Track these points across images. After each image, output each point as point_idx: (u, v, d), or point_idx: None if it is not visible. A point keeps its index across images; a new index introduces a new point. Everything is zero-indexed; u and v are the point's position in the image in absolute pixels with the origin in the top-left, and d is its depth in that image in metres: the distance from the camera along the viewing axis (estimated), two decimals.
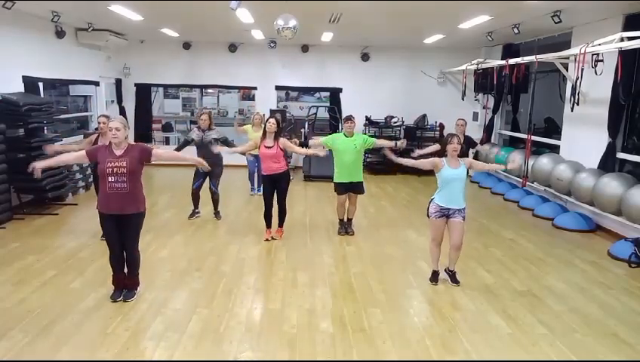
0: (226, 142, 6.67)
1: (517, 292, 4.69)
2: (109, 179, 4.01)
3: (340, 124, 11.19)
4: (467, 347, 3.67)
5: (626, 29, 6.06)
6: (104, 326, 3.81)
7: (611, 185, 6.21)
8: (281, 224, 6.21)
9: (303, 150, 6.40)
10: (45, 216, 6.96)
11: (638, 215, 5.77)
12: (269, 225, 6.13)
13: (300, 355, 3.52)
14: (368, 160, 11.61)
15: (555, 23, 6.68)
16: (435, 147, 4.69)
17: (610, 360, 3.56)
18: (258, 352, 3.54)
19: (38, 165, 4.21)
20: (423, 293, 4.65)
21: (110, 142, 4.11)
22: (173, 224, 6.73)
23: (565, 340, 3.78)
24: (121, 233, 4.19)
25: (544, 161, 7.73)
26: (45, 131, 7.41)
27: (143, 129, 11.68)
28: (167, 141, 12.55)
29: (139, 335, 3.70)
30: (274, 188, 6.01)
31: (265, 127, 5.93)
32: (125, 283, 4.35)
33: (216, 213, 7.01)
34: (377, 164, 11.49)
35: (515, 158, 5.50)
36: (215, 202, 6.97)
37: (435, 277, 4.86)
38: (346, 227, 6.44)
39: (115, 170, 4.00)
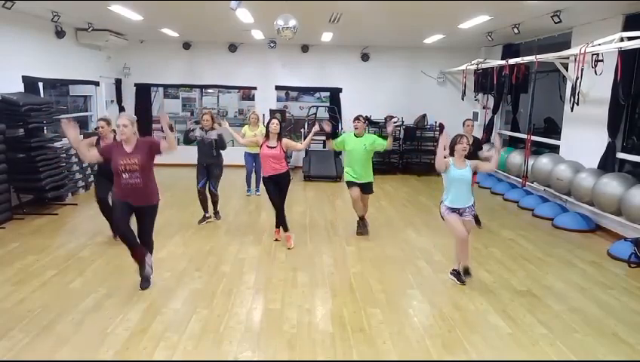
0: (221, 142, 6.65)
1: (517, 292, 4.69)
2: (123, 176, 4.18)
3: (339, 124, 11.19)
4: (467, 347, 3.67)
5: (625, 29, 6.06)
6: (104, 326, 3.81)
7: (611, 185, 6.21)
8: (280, 226, 6.05)
9: (304, 143, 6.31)
10: (45, 216, 6.97)
11: (638, 215, 5.77)
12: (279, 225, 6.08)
13: (300, 355, 3.52)
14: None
15: (555, 23, 6.69)
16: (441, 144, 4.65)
17: (610, 360, 3.56)
18: (258, 352, 3.54)
19: (70, 128, 4.21)
20: (423, 293, 4.64)
21: (121, 140, 4.24)
22: (173, 224, 6.72)
23: (565, 340, 3.79)
24: (137, 223, 4.41)
25: (544, 161, 7.73)
26: (45, 131, 7.42)
27: (143, 129, 11.66)
28: None
29: (139, 335, 3.70)
30: (277, 187, 5.95)
31: (267, 128, 5.89)
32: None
33: (216, 214, 7.00)
34: (377, 164, 11.48)
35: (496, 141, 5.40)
36: (215, 203, 6.96)
37: (459, 276, 4.82)
38: (362, 226, 6.39)
39: (127, 167, 4.15)
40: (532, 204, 8.01)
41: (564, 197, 7.36)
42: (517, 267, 5.40)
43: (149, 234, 4.50)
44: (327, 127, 6.15)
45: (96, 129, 5.94)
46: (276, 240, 6.04)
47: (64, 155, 7.83)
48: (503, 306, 4.36)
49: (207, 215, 6.86)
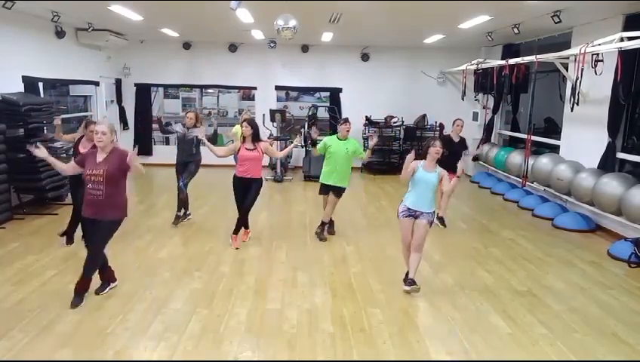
0: (213, 135, 6.60)
1: (517, 292, 4.69)
2: (89, 186, 4.08)
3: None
4: (467, 347, 3.67)
5: (626, 29, 6.07)
6: (104, 326, 3.81)
7: (611, 185, 6.21)
8: (237, 232, 5.84)
9: (284, 151, 6.37)
10: (45, 216, 6.96)
11: (638, 215, 5.77)
12: (237, 231, 5.90)
13: (300, 355, 3.52)
14: (368, 160, 11.61)
15: (555, 23, 6.68)
16: (411, 156, 4.55)
17: (610, 360, 3.56)
18: (258, 352, 3.55)
19: (38, 152, 4.21)
20: (423, 293, 4.63)
21: (95, 146, 4.15)
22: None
23: (565, 340, 3.79)
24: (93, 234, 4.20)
25: (544, 161, 7.73)
26: (45, 131, 7.42)
27: (143, 129, 11.70)
28: (167, 141, 12.54)
29: (139, 335, 3.70)
30: (245, 191, 5.78)
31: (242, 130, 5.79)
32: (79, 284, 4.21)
33: (184, 215, 6.77)
34: (377, 164, 11.50)
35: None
36: (182, 201, 6.69)
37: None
38: (325, 230, 6.29)
39: (92, 177, 4.04)
40: (532, 203, 8.01)
41: (565, 197, 7.36)
42: (517, 267, 5.40)
43: (98, 247, 4.24)
44: (315, 135, 6.18)
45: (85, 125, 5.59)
46: (236, 248, 5.76)
47: (64, 155, 7.82)
48: (503, 306, 4.37)
49: (187, 212, 6.85)
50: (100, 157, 4.10)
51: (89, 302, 4.23)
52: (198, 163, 6.74)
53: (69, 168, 4.36)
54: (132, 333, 3.72)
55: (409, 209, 4.58)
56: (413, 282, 4.57)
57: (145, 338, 3.67)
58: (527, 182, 7.95)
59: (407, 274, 4.80)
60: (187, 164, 6.67)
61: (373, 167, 11.44)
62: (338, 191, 6.18)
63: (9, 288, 4.49)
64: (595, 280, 5.08)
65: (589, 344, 3.76)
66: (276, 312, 4.17)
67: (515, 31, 7.61)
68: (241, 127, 5.89)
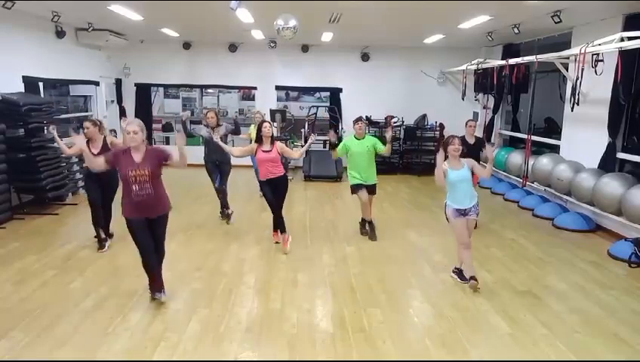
0: (236, 128, 6.73)
1: (517, 292, 4.69)
2: (134, 187, 4.02)
3: (339, 125, 11.18)
4: (467, 347, 3.66)
5: (626, 29, 6.06)
6: (104, 326, 3.81)
7: (611, 185, 6.21)
8: (283, 230, 5.91)
9: (300, 151, 6.25)
10: (45, 216, 6.97)
11: (638, 215, 5.77)
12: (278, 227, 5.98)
13: (300, 355, 3.52)
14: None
15: (555, 23, 6.69)
16: (440, 157, 4.64)
17: (610, 360, 3.56)
18: (258, 352, 3.54)
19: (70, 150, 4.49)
20: (423, 293, 4.64)
21: (129, 147, 4.11)
22: (174, 223, 6.63)
23: (565, 340, 3.78)
24: (152, 233, 4.21)
25: (544, 161, 7.72)
26: (45, 131, 7.42)
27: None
28: (167, 141, 12.55)
29: (139, 335, 3.70)
30: (275, 190, 5.85)
31: (259, 132, 5.72)
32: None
33: (229, 213, 6.99)
34: (377, 164, 11.47)
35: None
36: (224, 200, 6.95)
37: (461, 274, 4.82)
38: (370, 229, 6.36)
39: (138, 178, 4.02)
40: (532, 203, 8.00)
41: (565, 197, 7.35)
42: (517, 267, 5.39)
43: (162, 243, 4.33)
44: (333, 138, 6.22)
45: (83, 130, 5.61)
46: (276, 242, 5.96)
47: (64, 155, 7.82)
48: (504, 306, 4.36)
49: (229, 211, 6.93)
50: (137, 157, 4.06)
51: (89, 302, 4.23)
52: (230, 161, 6.80)
53: (99, 163, 4.26)
54: (132, 333, 3.72)
55: (458, 210, 4.64)
56: (475, 279, 4.70)
57: (145, 338, 3.67)
58: (527, 182, 7.95)
59: (460, 269, 4.84)
60: (220, 164, 6.73)
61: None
62: (370, 189, 6.24)
63: (9, 288, 4.49)
64: (596, 280, 5.08)
65: (589, 344, 3.76)
66: (276, 312, 4.17)
67: (515, 31, 7.61)
68: (258, 130, 5.77)
